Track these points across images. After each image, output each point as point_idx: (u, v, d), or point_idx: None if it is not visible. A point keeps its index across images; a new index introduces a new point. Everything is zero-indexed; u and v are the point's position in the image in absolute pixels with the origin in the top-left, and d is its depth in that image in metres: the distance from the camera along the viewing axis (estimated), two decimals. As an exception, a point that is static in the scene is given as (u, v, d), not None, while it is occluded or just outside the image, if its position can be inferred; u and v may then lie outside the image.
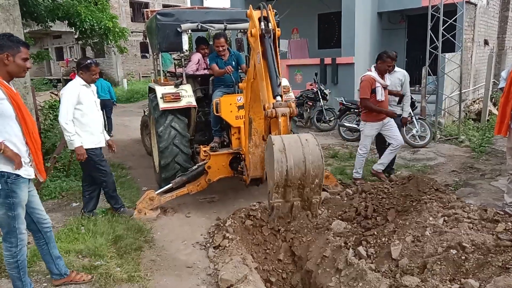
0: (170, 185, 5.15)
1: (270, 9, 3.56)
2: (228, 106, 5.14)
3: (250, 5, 3.82)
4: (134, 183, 6.21)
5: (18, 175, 2.92)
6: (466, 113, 10.75)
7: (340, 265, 3.50)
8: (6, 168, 2.87)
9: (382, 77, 5.58)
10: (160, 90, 5.29)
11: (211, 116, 5.46)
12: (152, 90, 6.09)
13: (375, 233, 3.91)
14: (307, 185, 2.69)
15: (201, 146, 5.51)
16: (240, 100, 5.14)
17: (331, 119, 10.33)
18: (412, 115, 8.33)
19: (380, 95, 5.50)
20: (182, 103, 5.27)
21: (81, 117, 4.39)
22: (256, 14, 3.62)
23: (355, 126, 8.98)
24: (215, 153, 5.20)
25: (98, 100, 4.68)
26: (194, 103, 5.37)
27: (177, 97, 5.24)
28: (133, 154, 8.07)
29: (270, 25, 3.50)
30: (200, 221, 4.89)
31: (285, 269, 4.22)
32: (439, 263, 3.08)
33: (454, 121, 10.03)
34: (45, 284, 3.46)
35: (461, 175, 6.30)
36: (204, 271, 3.79)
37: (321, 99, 10.32)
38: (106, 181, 4.69)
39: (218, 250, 4.08)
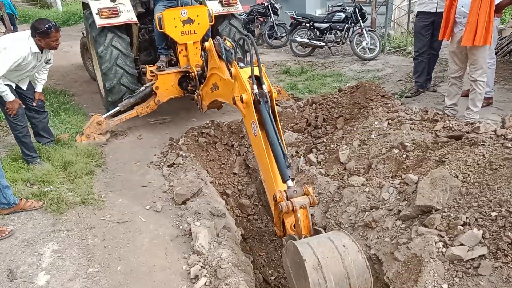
0: (118, 108, 4.95)
1: (262, 67, 2.70)
2: (172, 21, 4.80)
3: (234, 62, 2.90)
4: (80, 110, 5.90)
5: None
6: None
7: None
8: None
9: None
10: (94, 5, 4.82)
11: (155, 33, 5.12)
12: (86, 6, 5.55)
13: (325, 140, 4.05)
14: None
15: (147, 66, 5.24)
16: (184, 14, 4.80)
17: (282, 35, 10.10)
18: (363, 27, 8.30)
19: None
20: (122, 19, 4.88)
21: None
22: (244, 73, 2.76)
23: (307, 41, 8.86)
24: (163, 73, 4.97)
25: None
26: (135, 19, 4.98)
27: (114, 12, 4.81)
28: (76, 81, 7.57)
29: (265, 87, 2.67)
30: (153, 143, 4.82)
31: (241, 182, 4.35)
32: (382, 162, 3.27)
33: (402, 32, 10.12)
34: (-6, 214, 3.36)
35: (407, 84, 6.52)
36: (160, 189, 3.81)
37: (272, 14, 9.97)
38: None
39: (172, 168, 4.08)
